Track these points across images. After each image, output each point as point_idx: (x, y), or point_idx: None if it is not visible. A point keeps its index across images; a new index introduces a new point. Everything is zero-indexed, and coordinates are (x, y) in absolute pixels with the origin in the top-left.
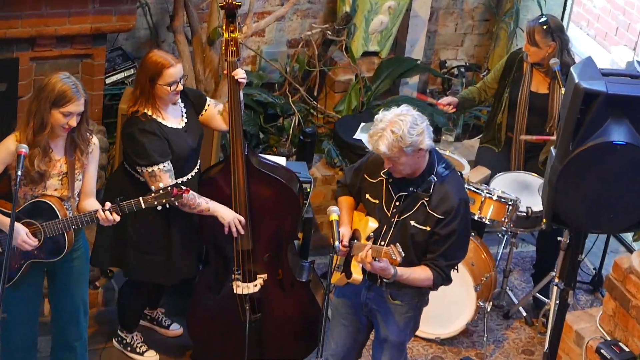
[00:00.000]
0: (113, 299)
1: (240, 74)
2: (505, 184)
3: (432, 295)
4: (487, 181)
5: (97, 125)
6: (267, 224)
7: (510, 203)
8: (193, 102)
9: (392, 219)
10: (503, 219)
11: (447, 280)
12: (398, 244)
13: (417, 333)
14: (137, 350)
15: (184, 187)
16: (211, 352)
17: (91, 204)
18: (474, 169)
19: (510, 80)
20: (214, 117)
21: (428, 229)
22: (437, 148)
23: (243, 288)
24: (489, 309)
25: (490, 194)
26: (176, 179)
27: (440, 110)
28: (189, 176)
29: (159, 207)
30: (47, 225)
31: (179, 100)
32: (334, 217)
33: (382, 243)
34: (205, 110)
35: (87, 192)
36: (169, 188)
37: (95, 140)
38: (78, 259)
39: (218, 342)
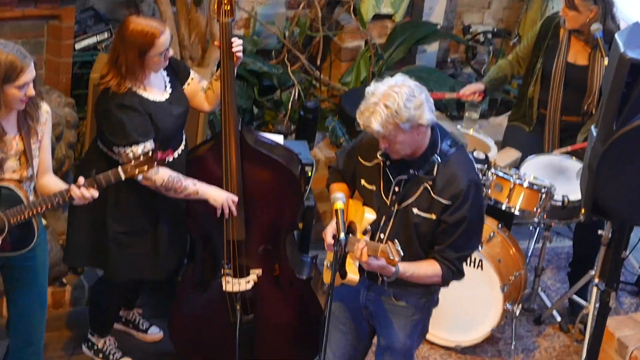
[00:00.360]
0: (83, 298)
1: (237, 44)
2: (537, 168)
3: (452, 296)
4: (516, 165)
5: (65, 97)
6: (263, 211)
7: (543, 190)
8: (176, 70)
9: (392, 208)
10: (535, 209)
11: (459, 275)
12: (397, 241)
13: (434, 340)
14: (111, 357)
15: (166, 151)
16: (197, 359)
17: (53, 181)
18: (502, 150)
19: (544, 49)
20: (197, 94)
21: (434, 217)
22: (459, 126)
23: (234, 285)
24: (517, 313)
25: (521, 179)
26: None
27: (462, 84)
28: (177, 153)
29: (140, 177)
30: (10, 212)
31: (162, 71)
32: (339, 205)
33: (382, 236)
34: (188, 84)
35: (44, 167)
36: (150, 153)
37: (46, 107)
38: (39, 247)
39: (204, 348)
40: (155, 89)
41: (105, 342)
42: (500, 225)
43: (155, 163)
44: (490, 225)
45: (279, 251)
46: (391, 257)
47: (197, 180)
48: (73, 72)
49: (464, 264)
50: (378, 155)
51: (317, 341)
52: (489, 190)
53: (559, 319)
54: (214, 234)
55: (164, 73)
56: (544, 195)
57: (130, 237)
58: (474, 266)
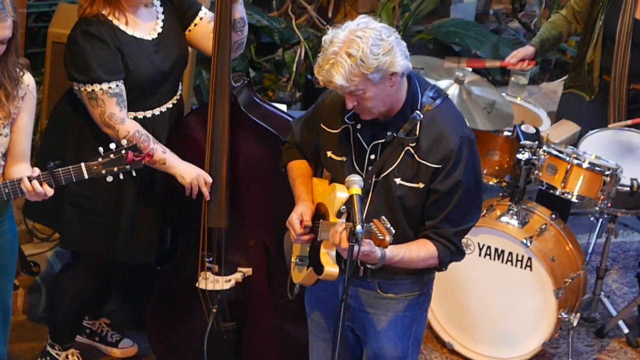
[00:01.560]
0: (39, 304)
1: None
2: (600, 145)
3: (495, 303)
4: (574, 142)
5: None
6: (256, 196)
7: (607, 173)
8: (177, 8)
9: (369, 180)
10: (597, 196)
11: (458, 254)
12: (384, 218)
13: (472, 356)
14: None
15: (143, 152)
16: None
17: (24, 171)
18: (557, 124)
19: (606, 4)
20: (207, 35)
21: (421, 185)
22: (503, 94)
23: (209, 282)
24: (575, 324)
25: (579, 159)
26: (133, 111)
27: (508, 41)
28: (156, 112)
29: (109, 178)
30: None
31: (157, 3)
32: (355, 190)
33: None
34: (195, 24)
35: (17, 154)
36: (122, 151)
37: (29, 80)
38: (1, 249)
39: (181, 351)
40: (140, 23)
41: (67, 356)
42: (554, 215)
43: (127, 165)
44: (541, 215)
45: (273, 248)
46: (380, 237)
47: (168, 150)
48: (27, 25)
49: (509, 263)
50: (345, 119)
51: None
52: (541, 173)
53: (626, 330)
54: (196, 219)
55: (160, 9)
56: (608, 179)
57: (90, 201)
58: (522, 266)
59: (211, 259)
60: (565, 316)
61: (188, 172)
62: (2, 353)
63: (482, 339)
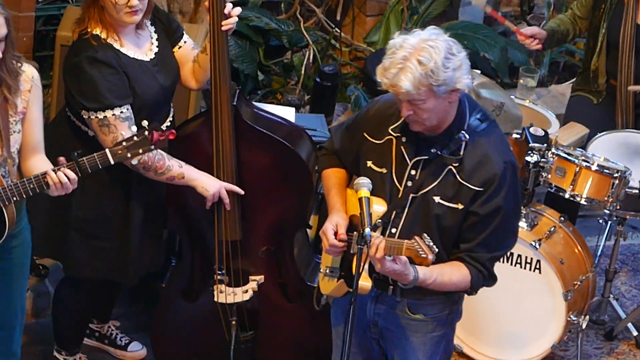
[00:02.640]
0: (47, 307)
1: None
2: (609, 148)
3: (503, 305)
4: (583, 144)
5: (26, 59)
6: (264, 204)
7: (616, 175)
8: (166, 27)
9: (407, 196)
10: (606, 198)
11: (490, 280)
12: (426, 235)
13: (480, 358)
14: None
15: (166, 130)
16: None
17: (41, 163)
18: (565, 126)
19: (607, 10)
20: (186, 62)
21: (460, 206)
22: (512, 96)
23: (227, 295)
24: (584, 326)
25: (588, 162)
26: None
27: (516, 43)
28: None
29: (134, 162)
30: None
31: (148, 24)
32: (363, 192)
33: (394, 231)
34: (179, 47)
35: (31, 146)
36: (146, 132)
37: (30, 70)
38: (19, 247)
39: None
40: (135, 46)
41: None
42: (562, 218)
43: (152, 146)
44: (550, 217)
45: (284, 253)
46: (422, 255)
47: (184, 163)
48: (36, 29)
49: (518, 266)
50: (390, 130)
51: None
52: (549, 175)
53: (635, 333)
54: (203, 231)
55: (152, 29)
56: (616, 181)
57: (96, 226)
58: (530, 268)
59: (223, 271)
60: (574, 319)
61: (210, 184)
62: (16, 352)
63: (490, 341)
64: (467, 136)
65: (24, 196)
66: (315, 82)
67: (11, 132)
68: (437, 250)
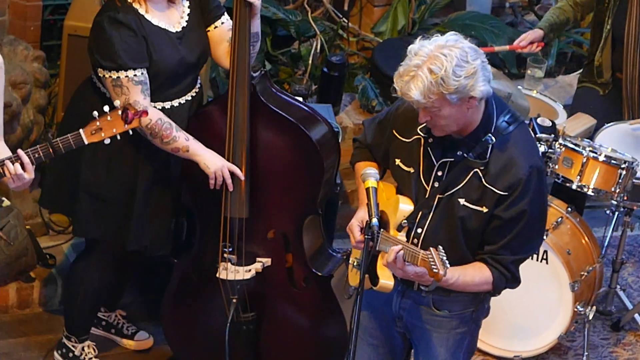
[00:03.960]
0: (55, 296)
1: None
2: (616, 139)
3: (511, 296)
4: (590, 135)
5: (33, 49)
6: (274, 186)
7: (623, 166)
8: (203, 5)
9: (434, 196)
10: (613, 189)
11: (513, 282)
12: (441, 248)
13: (488, 349)
14: None
15: (140, 109)
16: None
17: (2, 151)
18: (573, 117)
19: (612, 6)
20: (221, 42)
21: (485, 210)
22: (519, 87)
23: (230, 272)
24: (591, 317)
25: (595, 152)
26: (152, 102)
27: (522, 33)
28: (175, 103)
29: (107, 141)
30: None
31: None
32: (370, 182)
33: (419, 231)
34: (215, 27)
35: None
36: (121, 110)
37: None
38: None
39: (199, 344)
40: (164, 15)
41: (83, 348)
42: (569, 208)
43: (126, 124)
44: (557, 208)
45: (293, 238)
46: (434, 270)
47: (192, 137)
48: (43, 18)
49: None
50: (418, 130)
51: (339, 356)
52: (557, 166)
53: None
54: (215, 208)
55: (186, 3)
56: (624, 172)
57: (104, 189)
58: (537, 259)
59: (231, 249)
60: (581, 309)
61: (212, 161)
62: None
63: (497, 332)
64: (494, 139)
65: None
66: (322, 72)
67: None
68: (449, 267)
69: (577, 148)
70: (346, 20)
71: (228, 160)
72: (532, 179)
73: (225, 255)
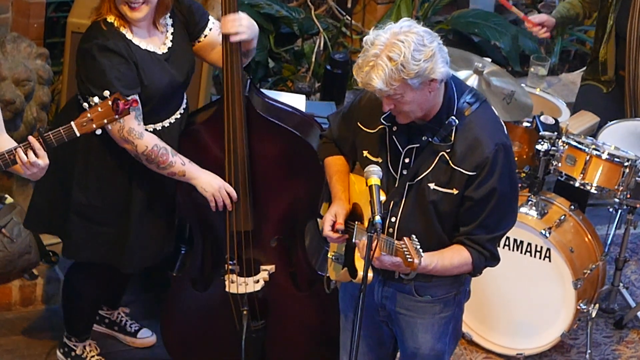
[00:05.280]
0: (57, 293)
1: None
2: (619, 136)
3: (513, 294)
4: (593, 132)
5: (36, 46)
6: (275, 195)
7: (626, 164)
8: (187, 21)
9: (404, 184)
10: (616, 187)
11: (493, 260)
12: (414, 237)
13: (491, 347)
14: None
15: (130, 98)
16: None
17: (7, 143)
18: (576, 115)
19: (615, 2)
20: (215, 46)
21: (455, 192)
22: (523, 85)
23: (239, 285)
24: (594, 315)
25: (599, 150)
26: (146, 124)
27: (527, 32)
28: (165, 124)
29: (98, 132)
30: None
31: (166, 19)
32: (373, 180)
33: (393, 220)
34: (205, 36)
35: None
36: (111, 101)
37: None
38: None
39: (204, 357)
40: (147, 37)
41: (84, 347)
42: (572, 206)
43: (117, 114)
44: (560, 206)
45: (295, 243)
46: (409, 259)
47: (188, 160)
48: (47, 15)
49: (528, 254)
50: (382, 120)
51: (338, 351)
52: (560, 164)
53: None
54: (213, 220)
55: (169, 21)
56: (627, 170)
57: (96, 211)
58: (540, 257)
59: (234, 261)
60: (584, 307)
61: (209, 184)
62: None
63: (500, 330)
64: (457, 121)
65: None
66: (325, 70)
67: None
68: (423, 255)
69: (580, 146)
70: (349, 18)
71: (229, 173)
72: (498, 156)
73: (228, 267)
